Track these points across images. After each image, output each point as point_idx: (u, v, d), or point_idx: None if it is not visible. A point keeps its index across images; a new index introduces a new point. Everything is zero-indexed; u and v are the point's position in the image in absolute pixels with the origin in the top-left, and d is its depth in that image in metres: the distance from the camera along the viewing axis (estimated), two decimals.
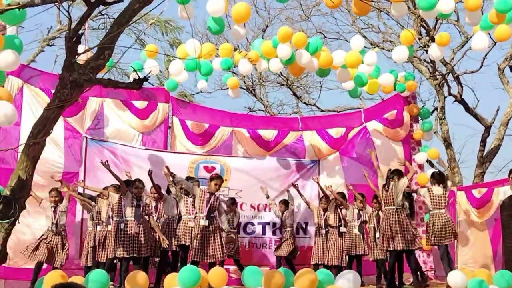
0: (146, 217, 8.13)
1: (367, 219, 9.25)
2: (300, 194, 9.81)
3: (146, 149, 9.99)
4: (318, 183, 9.83)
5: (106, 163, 8.00)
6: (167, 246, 8.12)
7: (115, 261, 8.13)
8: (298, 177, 10.67)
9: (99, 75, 4.84)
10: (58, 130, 9.27)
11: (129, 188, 7.99)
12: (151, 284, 7.58)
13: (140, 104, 10.27)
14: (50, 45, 16.27)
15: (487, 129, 15.14)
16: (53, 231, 8.30)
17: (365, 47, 10.17)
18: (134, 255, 7.73)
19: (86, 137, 9.52)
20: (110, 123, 9.98)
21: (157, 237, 8.35)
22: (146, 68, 8.45)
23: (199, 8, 23.38)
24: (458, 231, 10.20)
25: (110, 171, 7.91)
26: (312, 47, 9.01)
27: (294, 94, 18.82)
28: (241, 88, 17.64)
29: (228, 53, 9.88)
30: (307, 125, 11.35)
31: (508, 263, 8.69)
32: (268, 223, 10.28)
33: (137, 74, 4.75)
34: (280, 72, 16.30)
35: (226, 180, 9.78)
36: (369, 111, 11.69)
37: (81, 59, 4.66)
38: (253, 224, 10.37)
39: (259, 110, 19.94)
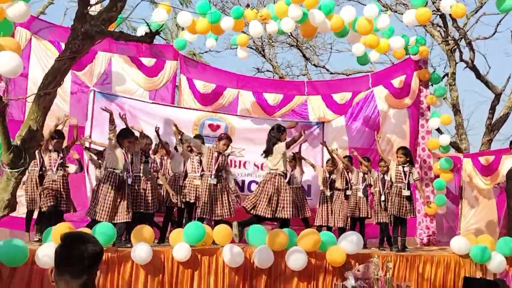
0: (155, 174, 8.15)
1: (373, 182, 9.26)
2: (304, 158, 9.82)
3: (153, 103, 9.94)
4: (325, 146, 9.79)
5: (124, 116, 7.72)
6: (176, 201, 8.20)
7: None
8: (303, 138, 10.64)
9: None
10: (65, 82, 9.13)
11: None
12: (156, 240, 7.67)
13: (147, 61, 10.23)
14: None
15: (497, 96, 15.04)
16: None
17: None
18: (141, 210, 7.78)
19: (94, 91, 9.36)
20: (118, 79, 9.91)
21: (164, 194, 8.41)
22: (157, 21, 8.32)
23: None
24: (463, 196, 10.21)
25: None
26: (325, 8, 8.84)
27: (304, 56, 18.64)
28: (250, 48, 17.47)
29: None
30: (314, 89, 11.28)
31: (511, 231, 8.73)
32: None
33: (149, 27, 4.68)
34: (290, 33, 16.10)
35: None
36: (377, 75, 11.53)
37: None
38: (257, 183, 10.33)
39: (268, 71, 19.83)
